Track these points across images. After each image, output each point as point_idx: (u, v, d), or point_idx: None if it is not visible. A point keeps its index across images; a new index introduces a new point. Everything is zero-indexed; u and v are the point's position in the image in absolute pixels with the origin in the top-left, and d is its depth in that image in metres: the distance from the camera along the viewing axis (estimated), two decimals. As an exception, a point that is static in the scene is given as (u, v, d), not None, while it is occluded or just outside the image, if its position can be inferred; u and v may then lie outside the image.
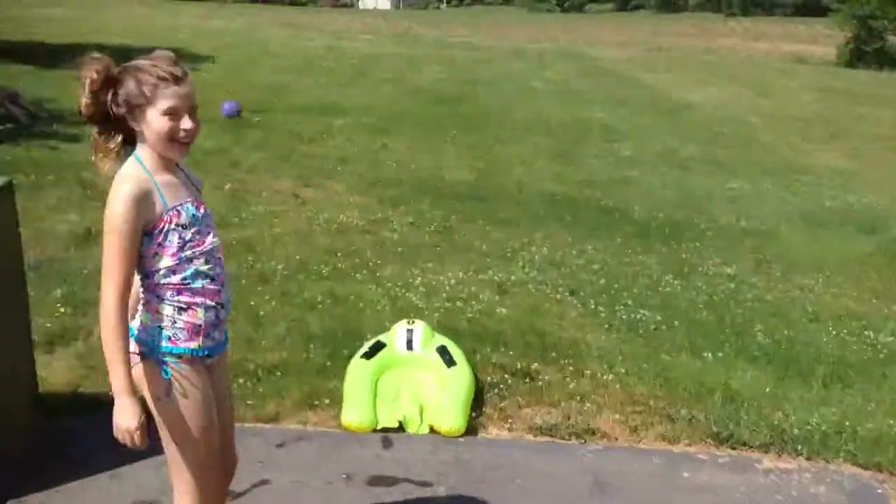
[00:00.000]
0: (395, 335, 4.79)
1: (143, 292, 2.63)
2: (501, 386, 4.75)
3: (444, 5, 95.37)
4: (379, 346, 4.74)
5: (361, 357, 4.67)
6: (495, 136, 12.41)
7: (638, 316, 5.87)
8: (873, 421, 4.54)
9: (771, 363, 5.22)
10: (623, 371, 4.99)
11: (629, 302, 6.15)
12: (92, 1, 39.77)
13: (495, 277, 6.47)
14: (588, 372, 4.95)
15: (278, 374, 4.74)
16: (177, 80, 2.58)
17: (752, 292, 6.57)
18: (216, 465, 2.82)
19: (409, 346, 4.71)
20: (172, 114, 2.54)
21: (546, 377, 4.86)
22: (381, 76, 18.67)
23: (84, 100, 2.52)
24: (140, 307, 2.65)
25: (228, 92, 14.34)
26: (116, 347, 2.50)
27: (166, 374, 2.63)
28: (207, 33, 26.37)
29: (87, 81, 2.50)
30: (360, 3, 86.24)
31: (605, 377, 4.91)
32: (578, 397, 4.65)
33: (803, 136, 14.95)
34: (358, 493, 3.77)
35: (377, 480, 3.85)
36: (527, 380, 4.79)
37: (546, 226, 8.03)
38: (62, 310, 5.38)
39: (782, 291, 6.68)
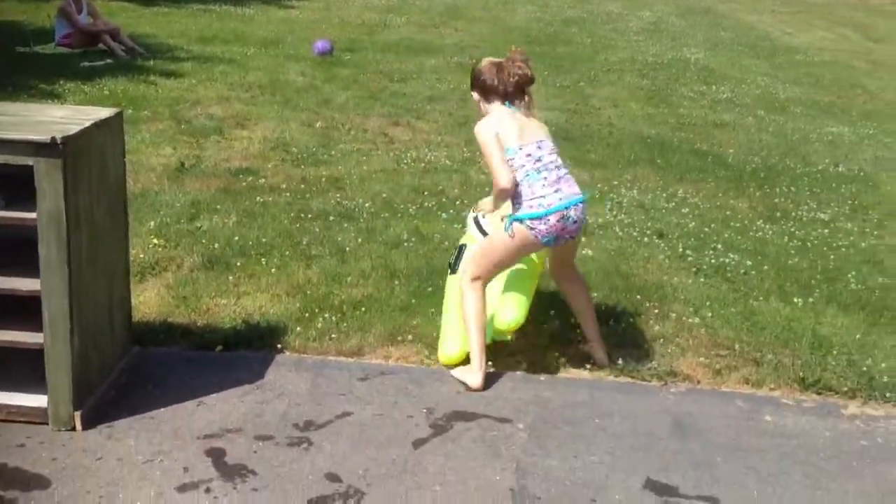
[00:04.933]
0: (469, 230, 4.72)
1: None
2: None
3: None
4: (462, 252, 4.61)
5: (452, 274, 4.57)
6: (588, 77, 12.21)
7: (727, 260, 5.77)
8: (969, 371, 4.41)
9: (863, 310, 5.09)
10: (709, 315, 4.93)
11: (719, 246, 6.04)
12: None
13: (582, 219, 6.42)
14: (673, 315, 4.90)
15: (362, 309, 4.81)
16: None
17: (847, 239, 6.38)
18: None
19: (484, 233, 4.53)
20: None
21: (630, 319, 4.83)
22: (474, 15, 18.45)
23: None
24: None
25: (321, 30, 14.42)
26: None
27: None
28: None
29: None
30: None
31: (690, 320, 4.86)
32: (661, 340, 4.62)
33: (911, 80, 14.32)
34: (438, 427, 3.83)
35: (457, 416, 3.90)
36: (610, 321, 4.76)
37: (636, 168, 7.91)
38: (154, 241, 5.55)
39: (878, 238, 6.47)
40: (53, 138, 3.35)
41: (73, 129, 3.51)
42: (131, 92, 9.42)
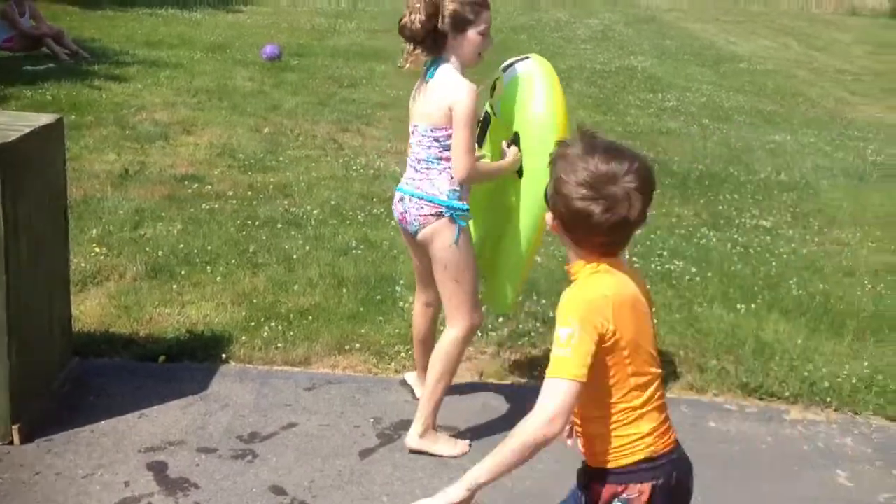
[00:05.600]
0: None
1: (437, 162, 3.47)
2: (533, 334, 4.77)
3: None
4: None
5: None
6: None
7: (672, 267, 5.83)
8: (905, 376, 4.50)
9: (803, 316, 5.17)
10: (654, 321, 4.96)
11: (664, 253, 6.10)
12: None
13: (529, 226, 6.45)
14: (618, 321, 4.93)
15: (310, 318, 4.79)
16: (488, 5, 3.44)
17: (788, 246, 6.48)
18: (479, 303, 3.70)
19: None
20: (485, 34, 3.43)
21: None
22: (423, 22, 18.51)
23: (419, 21, 3.33)
24: (434, 175, 3.49)
25: (270, 35, 14.32)
26: (495, 165, 3.63)
27: (461, 223, 3.49)
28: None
29: (424, 5, 3.32)
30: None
31: (635, 327, 4.89)
32: (607, 347, 4.65)
33: (851, 90, 14.61)
34: (385, 437, 3.81)
35: (405, 425, 3.88)
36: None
37: (583, 175, 7.95)
38: (97, 249, 5.47)
39: (818, 245, 6.59)
40: (-10, 146, 3.28)
41: (12, 136, 3.46)
42: (75, 96, 9.29)
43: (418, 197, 3.50)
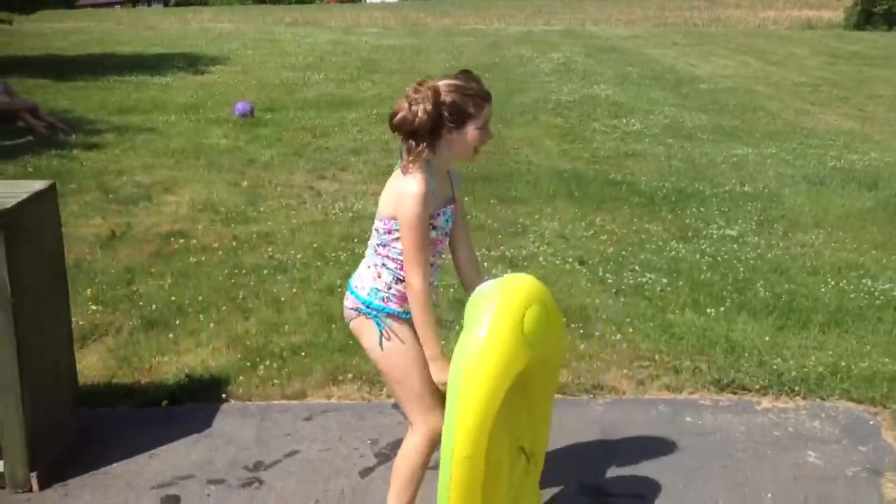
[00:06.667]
0: None
1: (373, 254, 3.16)
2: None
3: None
4: None
5: None
6: (503, 119, 12.61)
7: (644, 280, 6.10)
8: (868, 360, 4.79)
9: (771, 315, 5.45)
10: (630, 331, 5.23)
11: (636, 267, 6.38)
12: (101, 13, 40.27)
13: (507, 253, 6.72)
14: (597, 333, 5.19)
15: (302, 354, 5.00)
16: (490, 98, 3.06)
17: (755, 251, 6.78)
18: (439, 397, 3.13)
19: None
20: (484, 128, 3.05)
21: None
22: (390, 67, 18.91)
23: (422, 114, 2.93)
24: (364, 268, 3.19)
25: (241, 93, 14.65)
26: (428, 322, 3.04)
27: (379, 326, 3.13)
28: (217, 36, 26.70)
29: (430, 94, 2.94)
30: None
31: (612, 337, 5.15)
32: (587, 357, 4.90)
33: (809, 100, 15.07)
34: (383, 456, 4.03)
35: (401, 444, 4.09)
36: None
37: (555, 202, 8.26)
38: (93, 307, 5.68)
39: (783, 249, 6.89)
40: (-6, 212, 3.51)
41: (11, 202, 3.68)
42: (55, 166, 9.52)
43: (348, 287, 3.24)
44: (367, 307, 3.14)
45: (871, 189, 8.75)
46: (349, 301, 3.20)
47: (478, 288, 2.96)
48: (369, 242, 3.20)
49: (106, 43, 23.88)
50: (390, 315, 3.12)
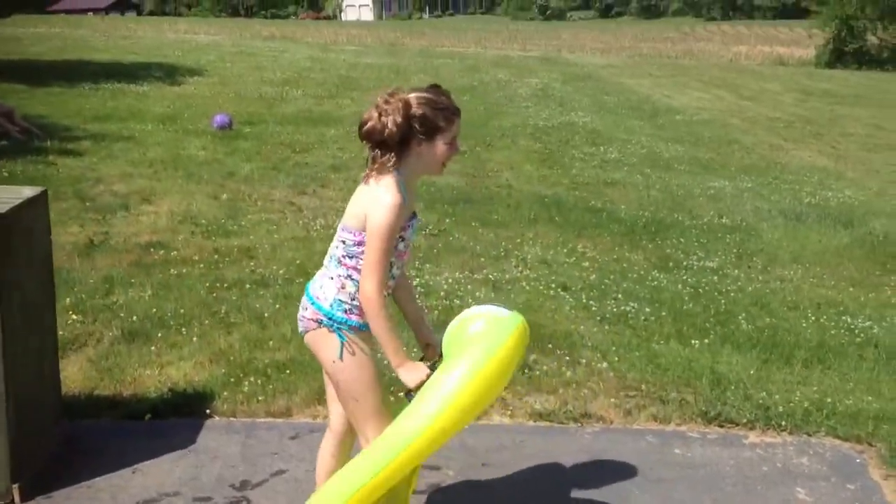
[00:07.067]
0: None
1: (336, 265, 3.08)
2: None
3: (426, 15, 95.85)
4: None
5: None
6: (483, 142, 12.66)
7: (628, 308, 6.12)
8: (852, 397, 4.82)
9: (754, 348, 5.48)
10: (616, 359, 5.24)
11: (619, 296, 6.40)
12: (75, 20, 39.98)
13: (490, 276, 6.72)
14: (583, 361, 5.19)
15: (287, 371, 4.95)
16: (460, 113, 3.07)
17: (735, 284, 6.83)
18: (390, 413, 3.13)
19: None
20: (452, 143, 3.05)
21: (543, 367, 5.09)
22: (368, 85, 18.91)
23: (392, 125, 2.93)
24: (326, 279, 3.10)
25: (218, 105, 14.57)
26: (388, 328, 2.97)
27: (341, 338, 3.06)
28: (193, 47, 26.58)
29: (400, 106, 2.94)
30: (342, 14, 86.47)
31: (598, 365, 5.15)
32: (574, 385, 4.90)
33: (783, 136, 15.29)
34: (369, 478, 3.99)
35: (387, 464, 4.07)
36: (525, 370, 5.02)
37: (536, 226, 8.28)
38: (73, 317, 5.59)
39: (763, 283, 6.95)
40: (-13, 217, 3.45)
41: (3, 208, 3.62)
42: (31, 172, 9.39)
43: (307, 296, 3.15)
44: (330, 318, 3.07)
45: (846, 227, 8.87)
46: (309, 312, 3.12)
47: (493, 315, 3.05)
48: (331, 252, 3.13)
49: (82, 50, 23.68)
50: (353, 328, 3.06)
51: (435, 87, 3.09)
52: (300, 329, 3.19)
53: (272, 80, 18.92)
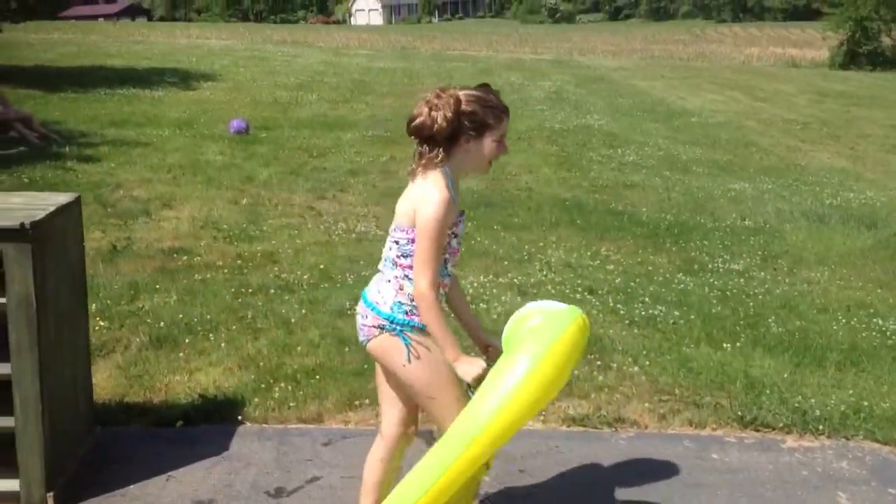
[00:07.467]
0: None
1: (392, 267, 3.07)
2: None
3: (435, 19, 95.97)
4: None
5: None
6: (500, 146, 12.62)
7: (656, 312, 6.07)
8: (889, 400, 4.77)
9: (786, 352, 5.43)
10: (647, 363, 5.19)
11: (646, 299, 6.35)
12: (86, 26, 40.11)
13: (515, 280, 6.68)
14: (614, 365, 5.15)
15: (317, 377, 4.92)
16: (508, 112, 3.09)
17: (762, 287, 6.78)
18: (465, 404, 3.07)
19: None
20: (501, 141, 3.06)
21: (574, 371, 5.04)
22: (382, 90, 18.91)
23: (442, 120, 2.94)
24: (383, 283, 3.09)
25: (234, 110, 14.58)
26: (442, 324, 2.95)
27: (406, 341, 3.03)
28: (206, 52, 26.61)
29: (451, 102, 2.96)
30: (352, 19, 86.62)
31: (630, 369, 5.11)
32: (607, 389, 4.85)
33: (800, 137, 15.22)
34: (405, 484, 3.95)
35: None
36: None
37: (559, 230, 8.24)
38: (101, 323, 5.57)
39: (790, 285, 6.90)
40: (23, 224, 3.43)
41: (39, 214, 3.60)
42: (50, 178, 9.40)
43: (365, 303, 3.11)
44: (392, 322, 3.04)
45: (870, 228, 8.81)
46: (369, 319, 3.08)
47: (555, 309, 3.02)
48: (385, 255, 3.11)
49: (95, 55, 23.71)
50: (415, 328, 3.03)
51: (485, 86, 3.10)
52: (361, 338, 3.15)
53: (286, 85, 18.93)
